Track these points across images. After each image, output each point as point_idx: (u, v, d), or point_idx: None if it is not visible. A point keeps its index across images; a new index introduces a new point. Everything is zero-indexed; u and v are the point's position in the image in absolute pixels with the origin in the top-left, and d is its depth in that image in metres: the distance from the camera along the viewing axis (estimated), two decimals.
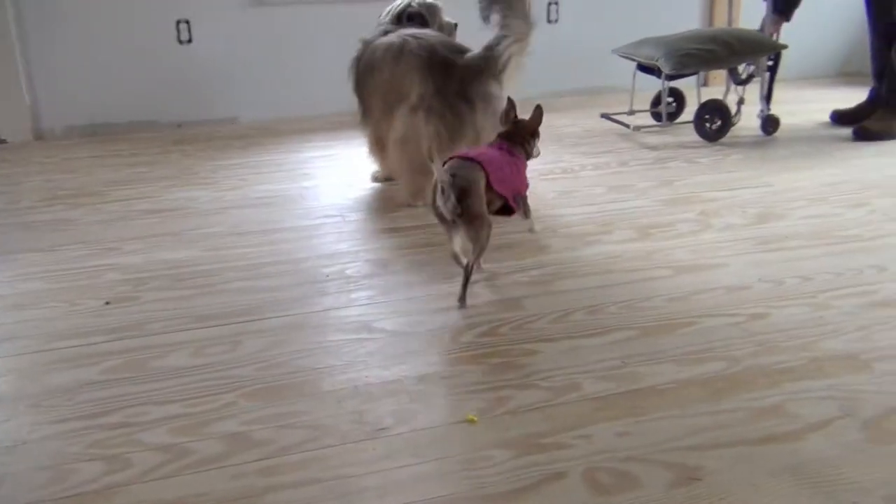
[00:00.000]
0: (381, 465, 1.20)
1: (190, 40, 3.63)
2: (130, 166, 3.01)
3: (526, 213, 1.93)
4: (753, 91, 3.27)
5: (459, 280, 1.74)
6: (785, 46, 3.14)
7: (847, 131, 3.17)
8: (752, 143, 3.07)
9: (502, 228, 2.21)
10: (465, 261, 1.74)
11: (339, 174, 2.85)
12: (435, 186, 1.68)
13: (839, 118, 3.36)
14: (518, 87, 4.07)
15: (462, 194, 1.65)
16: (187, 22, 3.61)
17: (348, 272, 1.96)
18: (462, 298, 1.73)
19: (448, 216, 1.68)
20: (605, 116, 3.50)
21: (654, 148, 3.06)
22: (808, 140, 3.11)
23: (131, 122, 3.63)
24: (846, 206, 2.31)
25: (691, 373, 1.43)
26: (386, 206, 2.47)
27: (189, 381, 1.46)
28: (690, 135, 3.19)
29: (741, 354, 1.48)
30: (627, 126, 3.33)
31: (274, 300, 1.80)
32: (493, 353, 1.53)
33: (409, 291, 1.83)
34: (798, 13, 3.14)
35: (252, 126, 3.71)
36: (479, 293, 1.80)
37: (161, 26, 3.59)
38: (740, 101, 3.23)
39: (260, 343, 1.60)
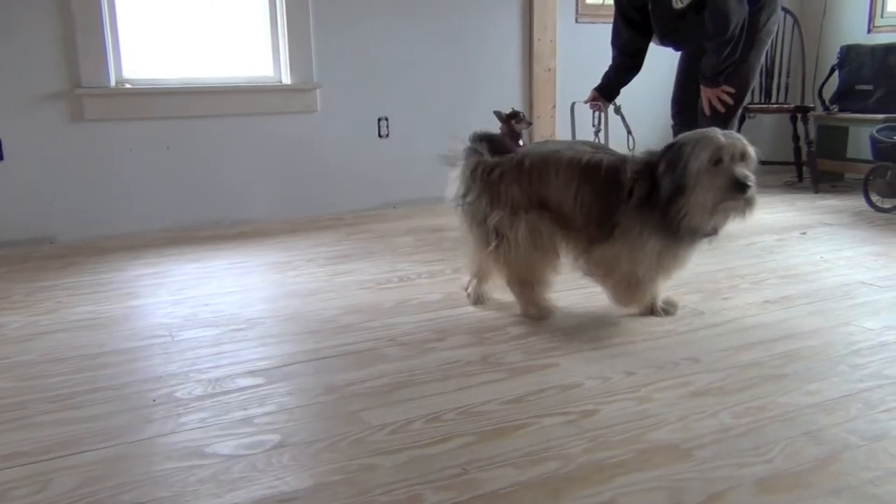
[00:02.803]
0: None
1: (1, 158, 3.43)
2: None
3: None
4: None
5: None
6: None
7: None
8: None
9: (341, 340, 2.19)
10: None
11: (168, 292, 2.73)
12: None
13: None
14: (351, 199, 4.18)
15: None
16: None
17: (178, 395, 1.85)
18: None
19: None
20: None
21: None
22: None
23: None
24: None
25: (530, 474, 1.45)
26: (219, 321, 2.39)
27: None
28: None
29: (575, 452, 1.52)
30: None
31: (91, 431, 1.66)
32: (332, 471, 1.48)
33: (245, 410, 1.75)
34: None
35: (71, 245, 3.51)
36: (316, 410, 1.75)
37: None
38: None
39: (74, 480, 1.46)
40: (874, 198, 3.99)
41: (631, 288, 2.27)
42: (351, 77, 4.07)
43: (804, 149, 4.72)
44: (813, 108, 4.72)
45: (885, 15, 4.82)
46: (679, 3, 3.10)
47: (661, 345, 2.12)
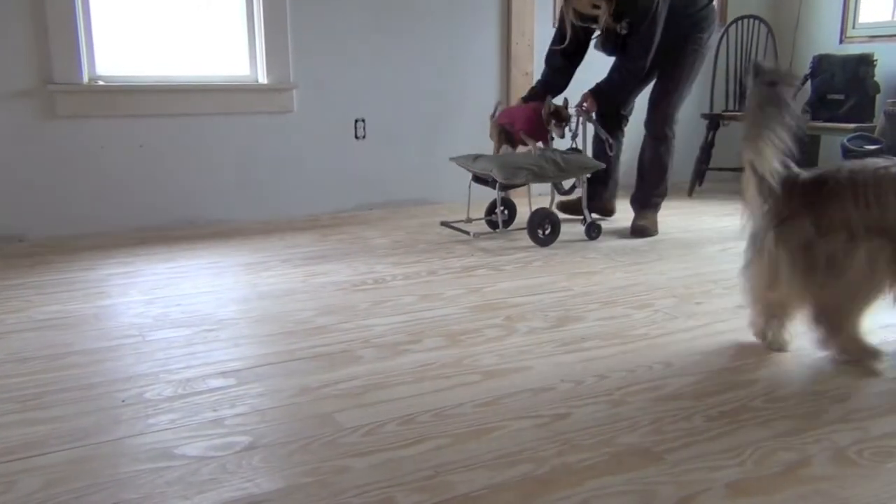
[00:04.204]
0: None
1: None
2: None
3: None
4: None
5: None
6: (603, 166, 3.52)
7: (633, 240, 3.48)
8: (550, 251, 3.28)
9: (315, 341, 2.17)
10: None
11: (139, 292, 2.69)
12: None
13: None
14: (327, 200, 4.16)
15: None
16: None
17: (147, 395, 1.82)
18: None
19: None
20: (445, 224, 3.70)
21: (459, 256, 3.18)
22: (596, 247, 3.37)
23: None
24: (634, 307, 2.50)
25: (503, 477, 1.44)
26: (191, 321, 2.36)
27: None
28: (493, 239, 3.36)
29: (548, 455, 1.52)
30: (468, 233, 3.52)
31: (57, 432, 1.63)
32: (304, 473, 1.46)
33: (216, 412, 1.73)
34: None
35: (41, 244, 3.45)
36: (288, 412, 1.73)
37: None
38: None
39: (38, 482, 1.43)
40: None
41: None
42: (328, 78, 4.05)
43: None
44: None
45: (856, 26, 4.89)
46: (622, 29, 3.44)
47: (634, 349, 2.13)
